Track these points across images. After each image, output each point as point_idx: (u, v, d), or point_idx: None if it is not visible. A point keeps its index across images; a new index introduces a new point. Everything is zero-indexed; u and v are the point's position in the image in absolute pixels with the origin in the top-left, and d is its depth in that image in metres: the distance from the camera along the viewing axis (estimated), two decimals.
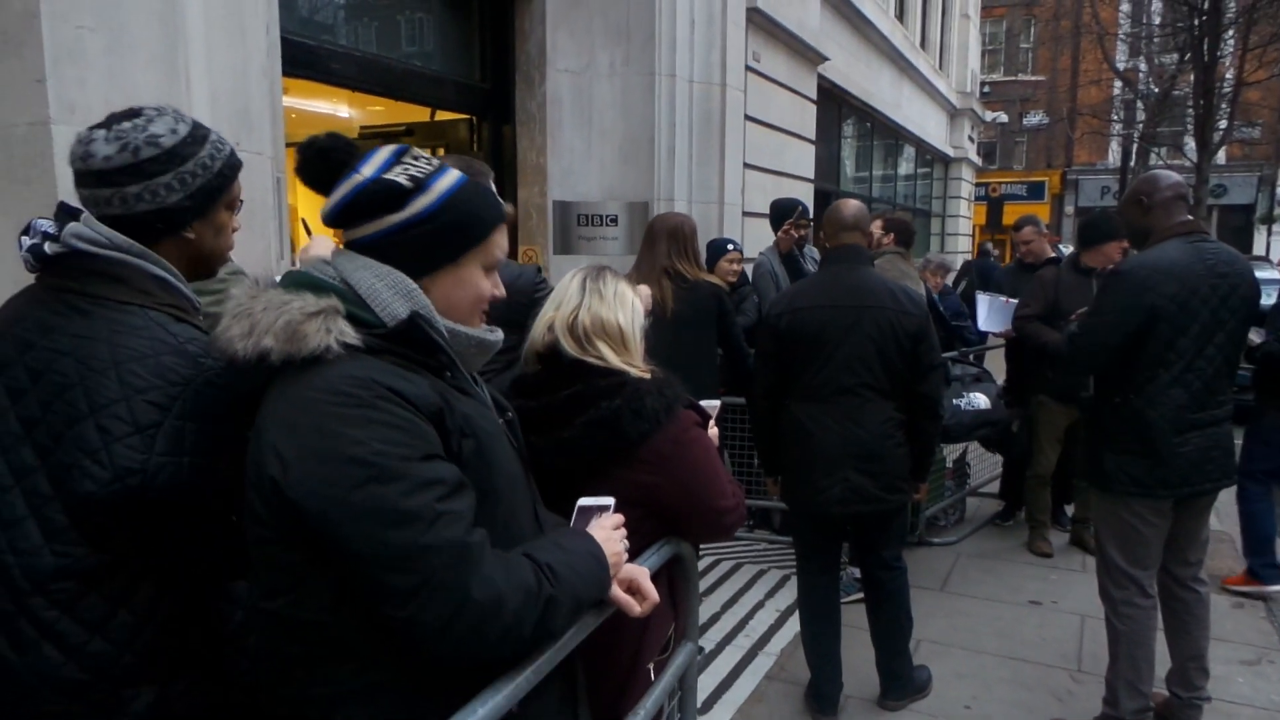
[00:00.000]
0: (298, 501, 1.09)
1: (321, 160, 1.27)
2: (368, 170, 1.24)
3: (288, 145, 3.26)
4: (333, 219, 1.28)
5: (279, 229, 3.13)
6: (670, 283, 3.66)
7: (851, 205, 3.21)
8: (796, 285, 3.35)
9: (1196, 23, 17.13)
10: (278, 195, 3.12)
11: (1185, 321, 2.75)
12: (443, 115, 5.44)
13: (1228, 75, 18.75)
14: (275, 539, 1.14)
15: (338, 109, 7.15)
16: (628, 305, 1.81)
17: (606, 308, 1.77)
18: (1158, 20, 21.36)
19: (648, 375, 1.74)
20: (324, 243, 2.33)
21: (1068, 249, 6.06)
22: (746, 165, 6.60)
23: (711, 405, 1.99)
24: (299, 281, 1.23)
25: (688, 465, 1.72)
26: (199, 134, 1.41)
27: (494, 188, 2.76)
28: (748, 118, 6.56)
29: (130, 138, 1.33)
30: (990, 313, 5.23)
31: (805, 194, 7.83)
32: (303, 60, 3.90)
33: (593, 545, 1.36)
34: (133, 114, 1.37)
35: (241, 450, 1.26)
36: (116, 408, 1.26)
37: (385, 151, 1.27)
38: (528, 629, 1.17)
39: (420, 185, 1.25)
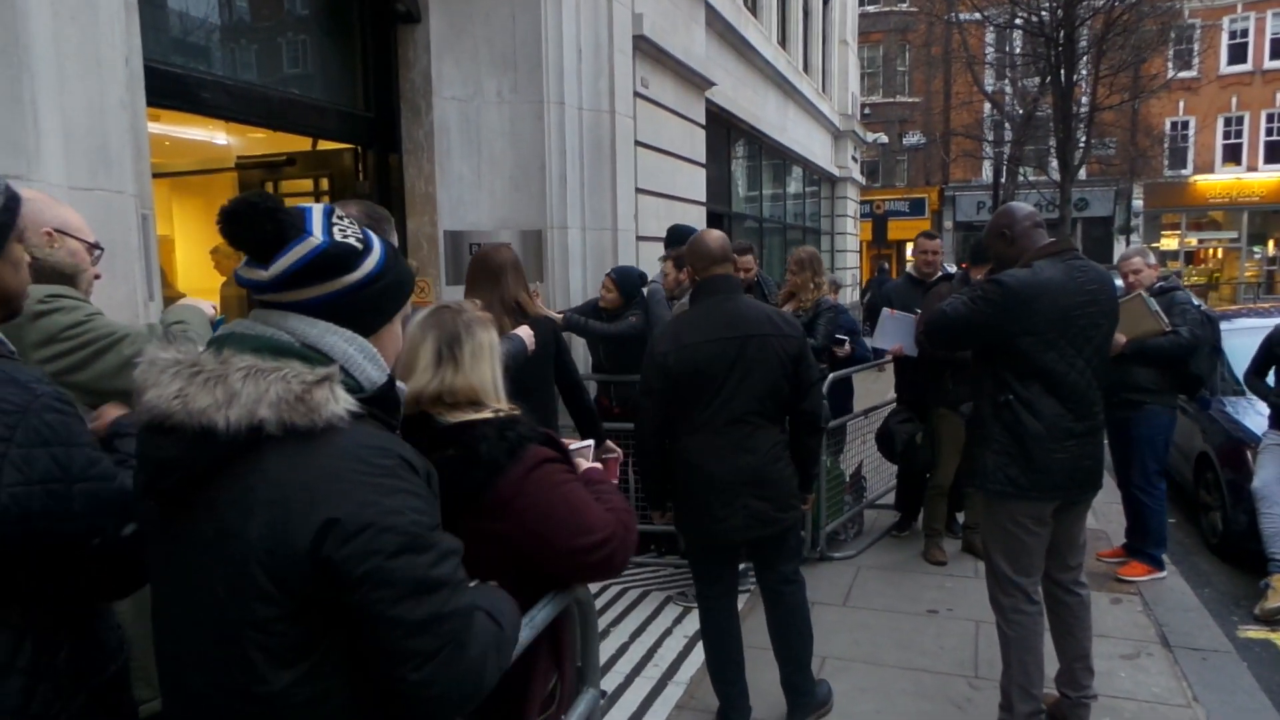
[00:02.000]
0: (339, 567, 1.09)
1: (270, 220, 1.17)
2: (318, 232, 1.20)
3: (162, 176, 3.08)
4: (282, 283, 1.19)
5: (145, 269, 2.94)
6: (514, 318, 3.45)
7: (715, 236, 3.20)
8: (678, 322, 3.24)
9: (1052, 52, 18.41)
10: (143, 234, 2.94)
11: (1053, 337, 2.88)
12: (325, 144, 5.27)
13: (1084, 98, 20.18)
14: (285, 615, 1.12)
15: (214, 136, 6.82)
16: (485, 360, 1.72)
17: (462, 377, 1.68)
18: (1019, 48, 22.78)
19: (494, 416, 1.67)
20: (199, 303, 2.22)
21: (950, 266, 6.24)
22: (639, 190, 6.64)
23: (583, 445, 1.89)
24: (259, 345, 1.16)
25: (537, 509, 1.61)
26: None
27: (395, 232, 2.65)
28: (638, 143, 6.60)
29: None
30: (888, 330, 5.11)
31: (698, 216, 7.95)
32: (170, 90, 3.70)
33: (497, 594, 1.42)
34: None
35: (95, 477, 1.29)
36: None
37: (318, 212, 1.24)
38: (491, 675, 1.25)
39: (367, 246, 1.26)
